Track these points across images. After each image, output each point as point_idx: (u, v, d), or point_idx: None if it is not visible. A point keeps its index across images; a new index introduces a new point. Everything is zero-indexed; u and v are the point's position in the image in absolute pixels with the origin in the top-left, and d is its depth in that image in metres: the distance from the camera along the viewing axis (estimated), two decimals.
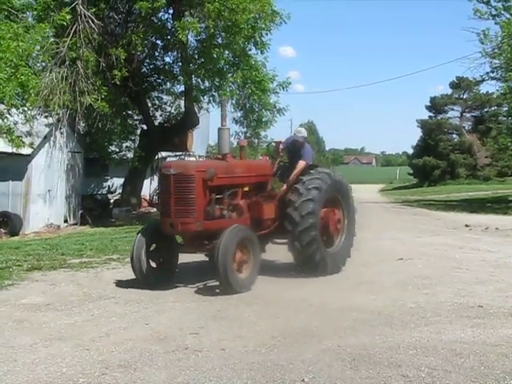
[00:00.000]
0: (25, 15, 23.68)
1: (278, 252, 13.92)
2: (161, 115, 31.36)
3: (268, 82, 26.75)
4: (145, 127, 30.59)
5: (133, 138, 31.40)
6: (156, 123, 30.62)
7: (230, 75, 25.96)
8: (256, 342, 8.24)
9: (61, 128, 24.82)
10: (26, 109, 19.68)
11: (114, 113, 27.04)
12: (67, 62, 23.20)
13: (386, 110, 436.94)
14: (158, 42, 28.23)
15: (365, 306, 10.34)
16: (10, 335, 8.55)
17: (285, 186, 13.61)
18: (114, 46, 24.65)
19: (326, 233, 13.46)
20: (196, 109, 28.62)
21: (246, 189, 13.12)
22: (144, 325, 9.15)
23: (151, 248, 12.20)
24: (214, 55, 24.98)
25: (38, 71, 22.90)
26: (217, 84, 26.09)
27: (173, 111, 30.84)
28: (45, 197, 25.86)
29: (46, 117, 24.05)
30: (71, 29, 23.15)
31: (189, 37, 25.32)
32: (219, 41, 25.65)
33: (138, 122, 31.32)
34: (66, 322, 9.27)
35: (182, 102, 29.06)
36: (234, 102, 27.17)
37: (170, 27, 26.80)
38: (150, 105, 30.43)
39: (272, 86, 27.15)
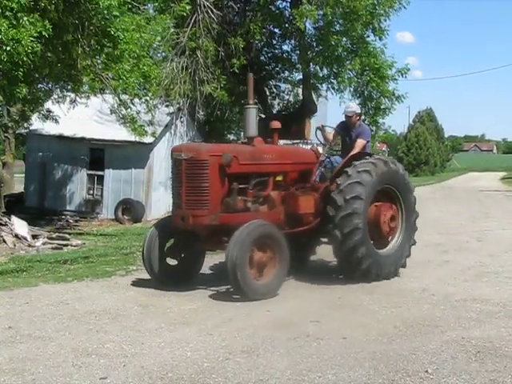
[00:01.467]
0: (146, 7, 24.18)
1: None
2: (279, 103, 31.40)
3: (386, 69, 26.30)
4: (263, 116, 30.76)
5: None
6: (274, 111, 30.71)
7: (348, 62, 25.67)
8: (378, 331, 8.17)
9: (181, 117, 25.25)
10: (148, 98, 20.09)
11: (233, 101, 27.25)
12: (187, 52, 23.53)
13: (509, 95, 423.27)
14: (276, 30, 28.21)
15: (489, 298, 10.10)
16: (137, 319, 8.79)
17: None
18: (232, 35, 24.82)
19: (374, 230, 11.52)
20: (314, 96, 28.52)
21: (280, 178, 11.50)
22: (266, 312, 9.22)
23: (168, 244, 11.10)
24: (332, 42, 24.74)
25: (159, 61, 23.35)
26: (335, 71, 25.88)
27: (291, 99, 30.85)
28: (165, 184, 26.35)
29: (166, 106, 24.51)
30: (191, 19, 23.46)
31: (307, 24, 25.17)
32: (337, 28, 25.39)
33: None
34: (190, 308, 9.46)
35: (300, 90, 29.00)
36: (351, 89, 26.92)
37: (287, 15, 26.74)
38: (267, 93, 30.55)
39: (391, 72, 26.71)
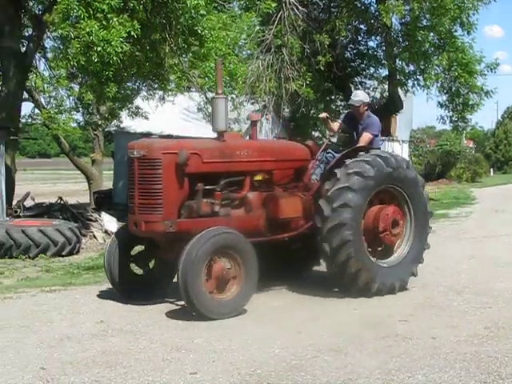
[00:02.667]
0: (231, 5, 24.36)
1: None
2: None
3: (475, 64, 25.82)
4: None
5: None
6: None
7: (435, 58, 25.29)
8: (468, 332, 8.02)
9: (266, 114, 25.34)
10: (233, 96, 20.24)
11: (318, 98, 27.21)
12: (272, 50, 23.59)
13: None
14: (362, 26, 28.05)
15: None
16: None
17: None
18: (318, 32, 24.75)
19: (373, 238, 10.16)
20: (400, 93, 28.22)
21: (259, 177, 10.11)
22: (353, 310, 9.18)
23: (133, 251, 9.96)
24: (419, 38, 24.42)
25: (244, 59, 23.49)
26: (421, 67, 25.55)
27: (376, 96, 30.60)
28: None
29: (252, 103, 24.64)
30: (276, 16, 23.50)
31: (393, 20, 24.93)
32: (424, 23, 25.05)
33: (341, 108, 31.44)
34: (277, 304, 9.49)
35: (386, 87, 28.73)
36: (438, 85, 26.54)
37: (373, 11, 26.52)
38: (353, 90, 30.40)
39: (479, 67, 26.18)
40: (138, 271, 10.10)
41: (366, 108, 10.92)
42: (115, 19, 14.20)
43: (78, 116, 24.77)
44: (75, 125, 23.09)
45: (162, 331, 8.06)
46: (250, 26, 22.01)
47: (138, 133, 25.39)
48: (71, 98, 22.23)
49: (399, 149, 40.85)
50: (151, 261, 10.07)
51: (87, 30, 13.72)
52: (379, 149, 10.84)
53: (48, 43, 22.45)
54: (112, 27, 14.11)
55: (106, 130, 28.06)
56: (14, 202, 18.52)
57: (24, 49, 19.40)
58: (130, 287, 9.71)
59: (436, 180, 46.17)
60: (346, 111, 30.65)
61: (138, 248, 10.04)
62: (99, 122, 25.80)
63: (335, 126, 11.40)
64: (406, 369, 6.66)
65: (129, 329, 8.18)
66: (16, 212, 17.49)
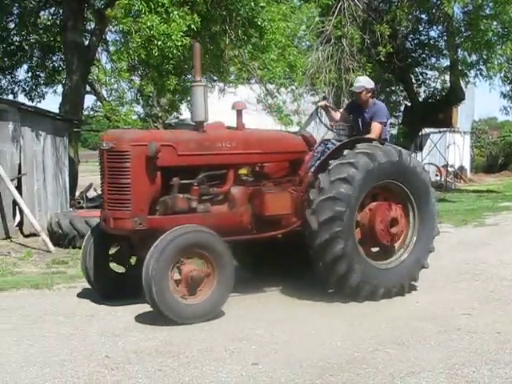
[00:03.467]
0: None
1: None
2: (425, 91, 30.92)
3: None
4: (408, 103, 30.38)
5: (396, 114, 31.30)
6: (420, 99, 30.24)
7: (498, 47, 24.86)
8: None
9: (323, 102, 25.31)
10: (293, 88, 20.24)
11: (379, 89, 27.00)
12: (332, 41, 23.53)
13: None
14: (423, 16, 27.81)
15: None
16: (285, 306, 8.90)
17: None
18: (378, 23, 24.59)
19: (370, 238, 9.30)
20: (462, 83, 27.83)
21: (243, 171, 9.47)
22: (415, 303, 9.09)
23: (112, 248, 9.37)
24: (482, 27, 24.03)
25: (303, 50, 23.45)
26: (484, 57, 25.13)
27: (437, 86, 30.26)
28: None
29: (312, 95, 24.62)
30: (336, 7, 23.41)
31: (455, 9, 24.63)
32: (487, 11, 24.66)
33: (401, 99, 31.21)
34: (336, 298, 9.40)
35: (447, 77, 28.36)
36: (502, 75, 26.12)
37: (435, 0, 26.21)
38: (413, 81, 30.10)
39: None
40: (120, 269, 9.47)
41: (369, 95, 10.05)
42: (175, 12, 14.34)
43: (139, 108, 25.06)
44: (135, 117, 23.37)
45: (223, 322, 8.09)
46: (309, 17, 21.98)
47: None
48: (132, 90, 22.50)
49: (461, 140, 40.32)
50: (131, 258, 9.35)
51: (148, 24, 13.87)
52: (386, 139, 9.93)
53: (109, 36, 22.78)
54: (172, 21, 14.24)
55: (166, 121, 28.33)
56: (77, 194, 18.81)
57: (87, 42, 19.71)
58: (107, 286, 9.10)
59: (498, 172, 45.46)
60: (405, 102, 30.53)
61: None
62: (159, 114, 26.04)
63: (336, 115, 10.67)
64: (471, 363, 6.56)
65: None
66: (79, 203, 17.78)
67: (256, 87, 20.38)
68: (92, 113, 26.87)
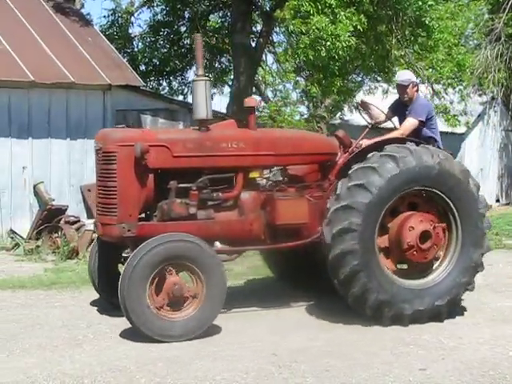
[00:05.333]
0: None
1: None
2: None
3: None
4: None
5: None
6: None
7: None
8: None
9: (495, 106, 24.61)
10: (461, 88, 19.81)
11: None
12: (502, 39, 22.78)
13: None
14: None
15: None
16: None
17: None
18: None
19: (397, 254, 8.15)
20: None
21: (255, 175, 8.45)
22: None
23: (122, 253, 8.11)
24: None
25: (471, 49, 22.89)
26: None
27: None
28: (477, 175, 25.78)
29: (479, 95, 23.99)
30: (507, 4, 22.66)
31: None
32: None
33: None
34: (507, 305, 9.14)
35: None
36: None
37: None
38: None
39: None
40: None
41: (415, 89, 8.86)
42: (342, 13, 14.37)
43: (303, 109, 25.34)
44: (299, 117, 23.65)
45: (388, 327, 8.01)
46: (477, 14, 21.44)
47: (360, 126, 25.58)
48: (297, 91, 22.80)
49: None
50: None
51: (317, 25, 14.01)
52: (420, 142, 8.32)
53: (275, 38, 23.14)
54: (339, 21, 14.30)
55: (330, 122, 28.47)
56: None
57: (254, 44, 20.12)
58: (113, 292, 7.71)
59: None
60: None
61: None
62: (323, 115, 26.22)
63: (378, 113, 9.03)
64: None
65: (350, 321, 8.08)
66: None
67: (422, 87, 20.10)
68: (257, 113, 27.39)
